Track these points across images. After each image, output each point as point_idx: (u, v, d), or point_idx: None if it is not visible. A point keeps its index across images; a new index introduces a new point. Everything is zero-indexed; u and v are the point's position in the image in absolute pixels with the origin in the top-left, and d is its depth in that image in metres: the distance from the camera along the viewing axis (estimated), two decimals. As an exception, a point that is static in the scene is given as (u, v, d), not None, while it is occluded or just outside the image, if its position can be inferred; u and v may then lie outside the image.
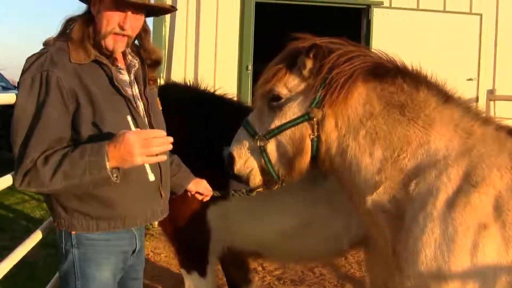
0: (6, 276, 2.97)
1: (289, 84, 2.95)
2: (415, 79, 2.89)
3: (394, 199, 2.80)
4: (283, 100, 2.95)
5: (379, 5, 9.94)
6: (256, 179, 3.10)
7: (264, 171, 3.06)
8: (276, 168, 3.02)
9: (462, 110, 2.85)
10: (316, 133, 2.89)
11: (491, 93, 10.31)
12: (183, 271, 4.19)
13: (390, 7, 10.00)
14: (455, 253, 2.54)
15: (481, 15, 10.25)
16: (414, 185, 2.73)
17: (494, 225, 2.55)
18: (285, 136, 2.93)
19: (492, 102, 10.09)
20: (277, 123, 2.95)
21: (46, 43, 2.80)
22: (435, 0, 10.12)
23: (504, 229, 2.54)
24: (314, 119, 2.86)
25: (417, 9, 10.06)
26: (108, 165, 2.46)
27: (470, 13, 10.23)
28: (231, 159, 3.10)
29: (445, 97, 2.87)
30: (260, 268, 6.57)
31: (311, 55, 2.87)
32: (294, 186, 3.72)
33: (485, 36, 10.31)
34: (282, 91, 2.96)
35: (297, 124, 2.90)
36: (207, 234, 4.00)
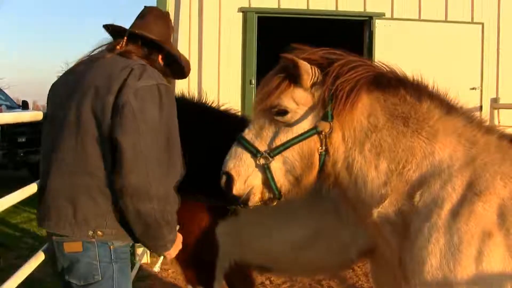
0: (12, 295, 2.97)
1: (296, 97, 2.87)
2: (418, 90, 2.89)
3: (400, 210, 2.80)
4: (289, 114, 2.87)
5: (381, 16, 9.96)
6: (256, 197, 2.98)
7: (265, 189, 2.96)
8: (279, 185, 2.92)
9: (465, 120, 2.85)
10: (324, 147, 2.83)
11: (494, 102, 10.29)
12: (189, 287, 4.17)
13: (391, 18, 10.02)
14: (460, 262, 2.54)
15: (482, 24, 10.25)
16: (419, 196, 2.73)
17: (499, 233, 2.55)
18: (293, 152, 2.85)
19: (496, 111, 10.07)
20: (283, 139, 2.86)
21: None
22: (436, 10, 10.13)
23: (508, 237, 2.55)
24: (323, 133, 2.81)
25: (419, 20, 10.07)
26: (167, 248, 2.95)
27: (472, 22, 10.23)
28: (230, 179, 2.95)
29: (448, 107, 2.87)
30: (267, 282, 6.55)
31: (315, 63, 2.84)
32: (303, 198, 3.73)
33: (487, 45, 10.30)
34: (289, 105, 2.87)
35: (306, 138, 2.84)
36: (215, 250, 3.99)
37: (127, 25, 3.22)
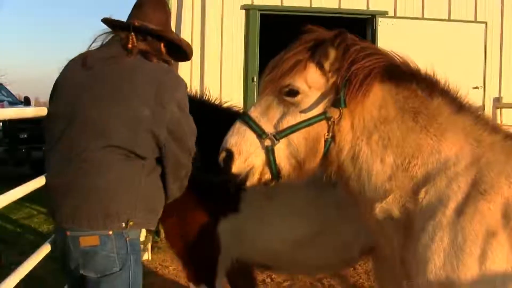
0: (14, 291, 2.97)
1: (309, 79, 2.80)
2: (430, 86, 2.85)
3: (404, 207, 2.77)
4: (300, 96, 2.79)
5: (384, 14, 9.95)
6: (255, 178, 2.88)
7: (265, 170, 2.87)
8: (280, 168, 2.83)
9: (473, 119, 2.83)
10: (331, 134, 2.78)
11: (497, 101, 10.28)
12: (191, 285, 4.17)
13: (395, 17, 10.01)
14: (464, 261, 2.52)
15: (486, 23, 10.24)
16: (424, 193, 2.71)
17: (503, 233, 2.53)
18: (298, 135, 2.78)
19: (498, 110, 10.06)
20: (291, 121, 2.79)
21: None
22: (439, 9, 10.11)
23: None
24: (332, 119, 2.76)
25: (422, 18, 10.06)
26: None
27: (475, 21, 10.22)
28: (230, 156, 2.86)
29: (458, 105, 2.84)
30: (268, 280, 6.54)
31: (335, 44, 2.75)
32: (305, 195, 3.72)
33: (490, 44, 10.29)
34: (302, 86, 2.79)
35: (315, 123, 2.77)
36: (217, 247, 3.98)
37: (124, 16, 3.28)
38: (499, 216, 2.56)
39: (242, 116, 2.92)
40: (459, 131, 2.78)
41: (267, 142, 2.80)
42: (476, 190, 2.61)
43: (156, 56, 3.10)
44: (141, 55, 3.04)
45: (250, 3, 9.73)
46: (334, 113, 2.76)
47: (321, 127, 2.78)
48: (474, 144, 2.75)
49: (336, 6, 9.96)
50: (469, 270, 2.51)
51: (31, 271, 3.20)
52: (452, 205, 2.62)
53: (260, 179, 2.90)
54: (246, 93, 9.62)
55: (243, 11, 9.72)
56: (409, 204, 2.75)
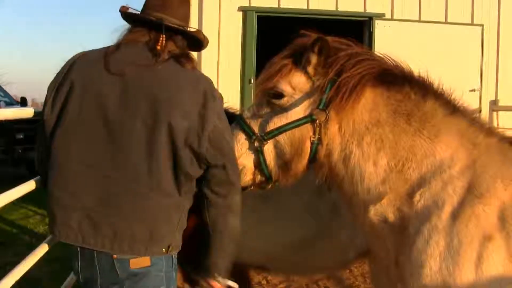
0: (9, 292, 2.96)
1: (293, 82, 2.85)
2: (423, 88, 2.85)
3: (398, 210, 2.77)
4: (285, 98, 2.85)
5: (381, 17, 9.97)
6: (247, 177, 2.94)
7: (257, 171, 2.94)
8: (270, 169, 2.90)
9: (468, 121, 2.83)
10: (317, 136, 2.80)
11: (494, 104, 10.30)
12: (186, 286, 4.16)
13: (391, 19, 10.02)
14: (460, 265, 2.52)
15: (482, 26, 10.25)
16: (419, 196, 2.71)
17: (499, 236, 2.54)
18: (284, 137, 2.83)
19: (495, 113, 10.07)
20: (277, 123, 2.85)
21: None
22: (436, 11, 10.13)
23: (509, 240, 2.53)
24: (317, 121, 2.78)
25: (419, 21, 10.07)
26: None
27: (472, 24, 10.23)
28: None
29: (452, 108, 2.84)
30: (264, 282, 6.54)
31: (315, 49, 2.80)
32: (300, 198, 3.71)
33: (487, 47, 10.31)
34: (286, 88, 2.85)
35: (300, 125, 2.81)
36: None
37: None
38: (495, 219, 2.56)
39: (237, 118, 2.99)
40: (453, 133, 2.77)
41: (256, 143, 2.88)
42: (471, 193, 2.61)
43: (187, 60, 2.81)
44: (173, 60, 2.74)
45: (247, 4, 9.73)
46: (321, 116, 2.78)
47: (307, 129, 2.81)
48: (469, 146, 2.75)
49: (334, 8, 9.97)
50: (465, 274, 2.51)
51: (26, 273, 3.19)
52: (447, 209, 2.61)
53: (253, 179, 2.96)
54: (243, 95, 9.62)
55: (241, 12, 9.73)
56: (404, 207, 2.75)
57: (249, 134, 2.90)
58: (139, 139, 2.60)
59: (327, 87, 2.78)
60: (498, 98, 10.35)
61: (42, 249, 3.36)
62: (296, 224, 3.88)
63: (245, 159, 2.91)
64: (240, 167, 2.89)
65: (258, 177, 2.96)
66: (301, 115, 2.82)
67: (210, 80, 2.87)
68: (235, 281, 4.71)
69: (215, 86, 2.91)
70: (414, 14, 10.10)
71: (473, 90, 10.16)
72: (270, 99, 2.89)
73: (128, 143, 2.61)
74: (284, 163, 2.88)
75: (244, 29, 9.71)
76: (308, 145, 2.83)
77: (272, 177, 2.93)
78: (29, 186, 3.16)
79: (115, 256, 2.65)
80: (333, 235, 3.87)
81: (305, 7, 9.93)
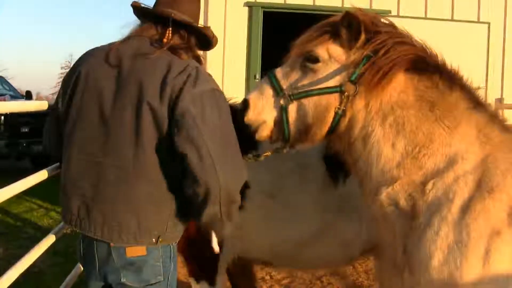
0: (13, 285, 2.97)
1: (331, 50, 2.86)
2: (451, 79, 2.89)
3: (410, 196, 2.78)
4: (320, 64, 2.86)
5: (387, 14, 9.93)
6: (264, 132, 2.98)
7: (275, 129, 2.95)
8: (290, 129, 2.91)
9: (488, 116, 2.85)
10: (342, 107, 2.81)
11: (499, 102, 10.26)
12: (192, 280, 4.17)
13: (398, 16, 9.98)
14: (467, 259, 2.53)
15: (489, 23, 10.22)
16: (432, 185, 2.72)
17: (507, 232, 2.54)
18: (310, 101, 2.85)
19: (500, 111, 10.05)
20: (306, 86, 2.86)
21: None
22: (443, 9, 10.10)
23: None
24: (346, 93, 2.80)
25: (425, 18, 10.04)
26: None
27: (478, 21, 10.20)
28: (246, 105, 2.97)
29: (476, 102, 2.88)
30: (268, 277, 6.55)
31: (345, 24, 2.81)
32: (307, 193, 3.72)
33: (493, 44, 10.27)
34: (323, 54, 2.86)
35: (327, 93, 2.82)
36: (218, 244, 3.98)
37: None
38: (504, 215, 2.57)
39: (268, 74, 3.01)
40: (472, 127, 2.79)
41: (282, 101, 2.89)
42: (482, 188, 2.62)
43: (186, 51, 2.83)
44: (168, 50, 2.77)
45: (253, 0, 9.72)
46: (350, 88, 2.80)
47: (334, 99, 2.82)
48: (484, 141, 2.76)
49: (339, 5, 9.93)
50: (473, 268, 2.52)
51: (30, 265, 3.20)
52: (458, 202, 2.62)
53: (270, 135, 2.99)
54: (248, 91, 9.61)
55: (246, 8, 9.71)
56: (416, 194, 2.76)
57: (277, 91, 2.92)
58: (127, 127, 2.66)
59: (362, 62, 2.79)
60: (504, 96, 10.31)
61: (46, 242, 3.37)
62: (302, 219, 3.88)
63: (267, 114, 2.94)
64: (260, 122, 2.95)
65: (275, 134, 2.98)
66: (331, 84, 2.83)
67: (201, 69, 2.78)
68: (239, 277, 4.74)
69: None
70: (420, 11, 10.07)
71: (479, 88, 10.11)
72: (305, 62, 2.91)
73: (117, 131, 2.68)
74: (305, 127, 2.90)
75: (250, 24, 9.69)
76: (332, 114, 2.84)
77: (289, 138, 2.95)
78: (33, 179, 3.17)
79: (112, 244, 2.71)
80: (339, 231, 3.88)
81: (311, 3, 9.91)
